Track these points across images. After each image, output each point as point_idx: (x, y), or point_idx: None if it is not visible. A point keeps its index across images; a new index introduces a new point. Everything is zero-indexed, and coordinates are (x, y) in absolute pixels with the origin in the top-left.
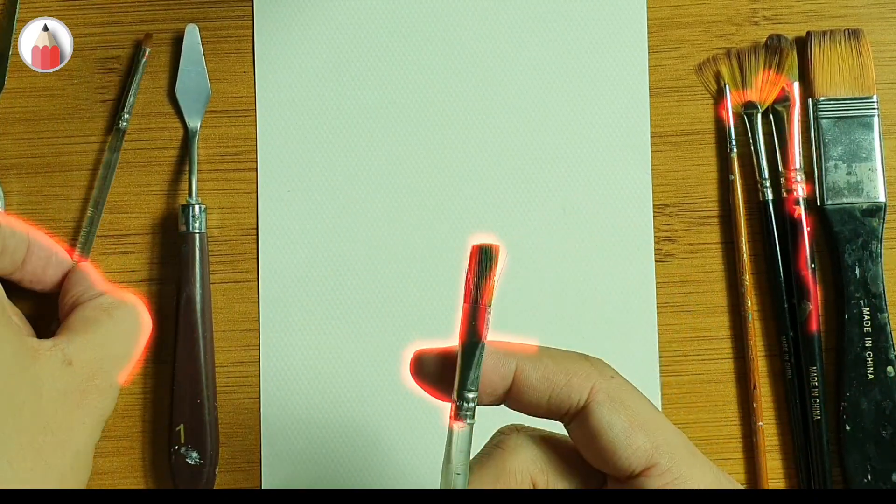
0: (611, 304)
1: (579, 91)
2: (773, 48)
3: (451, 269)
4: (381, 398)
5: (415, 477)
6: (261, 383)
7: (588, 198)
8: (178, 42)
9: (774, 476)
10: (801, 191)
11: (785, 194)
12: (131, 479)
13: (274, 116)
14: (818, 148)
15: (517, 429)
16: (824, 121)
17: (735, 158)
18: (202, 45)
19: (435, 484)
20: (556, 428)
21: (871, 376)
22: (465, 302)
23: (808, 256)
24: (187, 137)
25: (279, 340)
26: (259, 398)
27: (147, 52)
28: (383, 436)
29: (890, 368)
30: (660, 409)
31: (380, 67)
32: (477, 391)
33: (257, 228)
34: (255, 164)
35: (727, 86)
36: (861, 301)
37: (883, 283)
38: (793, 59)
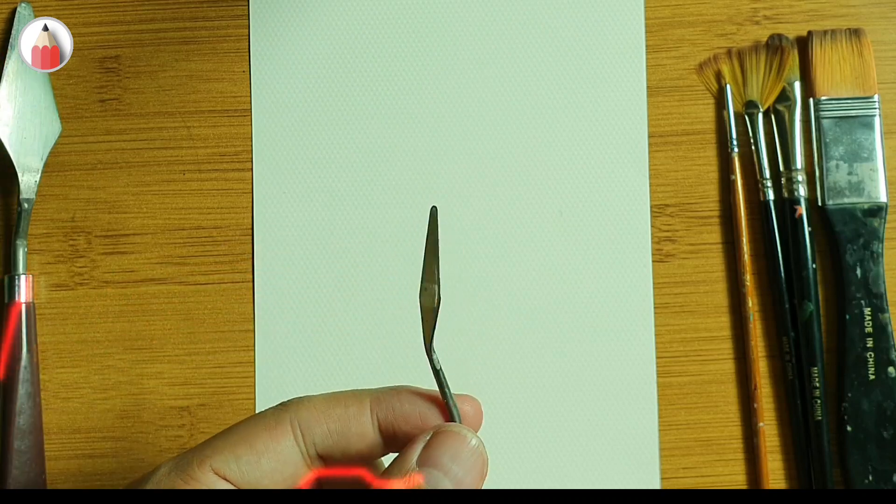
0: (607, 306)
1: (575, 92)
2: (774, 47)
3: (446, 269)
4: None
5: None
6: (256, 384)
7: (584, 200)
8: (179, 42)
9: (775, 477)
10: (802, 191)
11: (786, 194)
12: (131, 479)
13: (269, 116)
14: (819, 148)
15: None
16: (825, 120)
17: (736, 158)
18: (200, 44)
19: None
20: None
21: (872, 377)
22: None
23: (809, 257)
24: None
25: (275, 340)
26: (255, 398)
27: None
28: None
29: (891, 369)
30: (657, 410)
31: (376, 67)
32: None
33: (253, 228)
34: (251, 164)
35: (728, 85)
36: (862, 301)
37: (884, 283)
38: (794, 58)
